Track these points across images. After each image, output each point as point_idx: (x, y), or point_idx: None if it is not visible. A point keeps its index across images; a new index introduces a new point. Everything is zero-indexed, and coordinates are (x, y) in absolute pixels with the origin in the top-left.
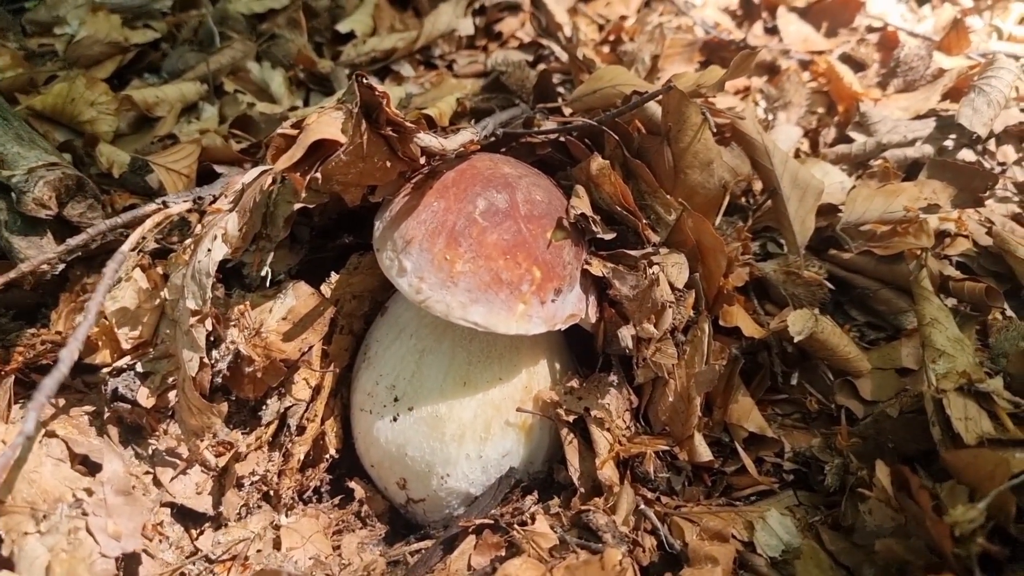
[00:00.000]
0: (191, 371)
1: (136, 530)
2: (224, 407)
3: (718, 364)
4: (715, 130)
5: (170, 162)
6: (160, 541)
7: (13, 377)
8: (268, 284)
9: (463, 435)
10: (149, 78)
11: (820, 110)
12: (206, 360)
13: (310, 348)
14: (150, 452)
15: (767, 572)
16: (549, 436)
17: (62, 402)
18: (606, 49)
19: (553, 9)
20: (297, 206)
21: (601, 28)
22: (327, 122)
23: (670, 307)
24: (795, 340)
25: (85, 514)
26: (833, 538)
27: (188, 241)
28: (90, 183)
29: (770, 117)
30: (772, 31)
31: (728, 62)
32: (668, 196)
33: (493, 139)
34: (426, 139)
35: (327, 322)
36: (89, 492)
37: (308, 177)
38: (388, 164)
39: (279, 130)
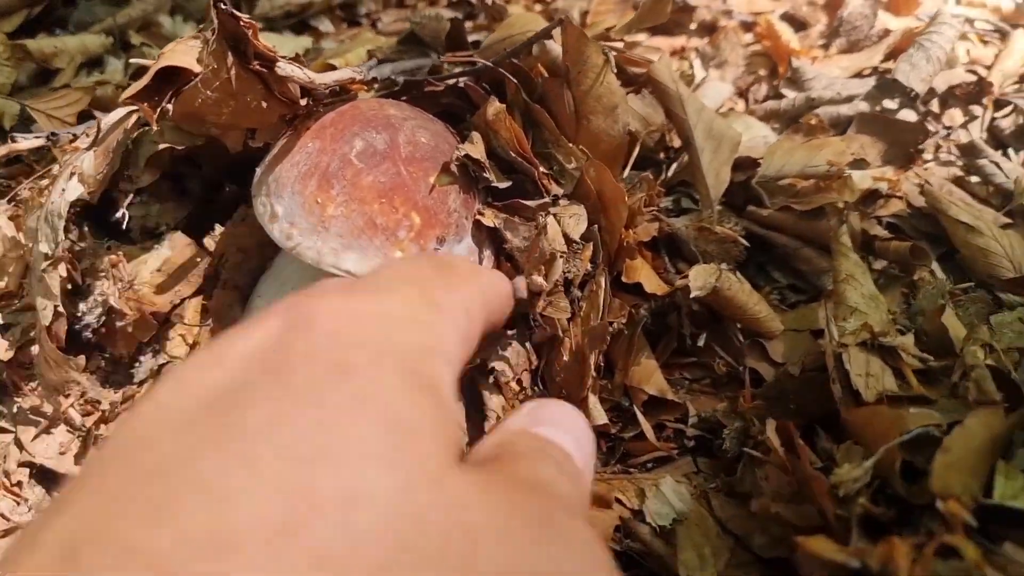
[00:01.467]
0: (45, 320)
1: None
2: (82, 360)
3: (616, 322)
4: (617, 72)
5: (51, 108)
6: (19, 503)
7: None
8: (144, 233)
9: None
10: (58, 33)
11: (761, 71)
12: (61, 309)
13: (183, 301)
14: (14, 410)
15: (650, 540)
16: None
17: None
18: (539, 7)
19: None
20: (162, 146)
21: None
22: (182, 51)
23: (561, 258)
24: (693, 295)
25: None
26: (724, 504)
27: (45, 181)
28: None
29: (703, 75)
30: None
31: (668, 21)
32: (570, 144)
33: (395, 88)
34: (289, 68)
35: (202, 274)
36: None
37: (159, 108)
38: (264, 104)
39: (134, 60)
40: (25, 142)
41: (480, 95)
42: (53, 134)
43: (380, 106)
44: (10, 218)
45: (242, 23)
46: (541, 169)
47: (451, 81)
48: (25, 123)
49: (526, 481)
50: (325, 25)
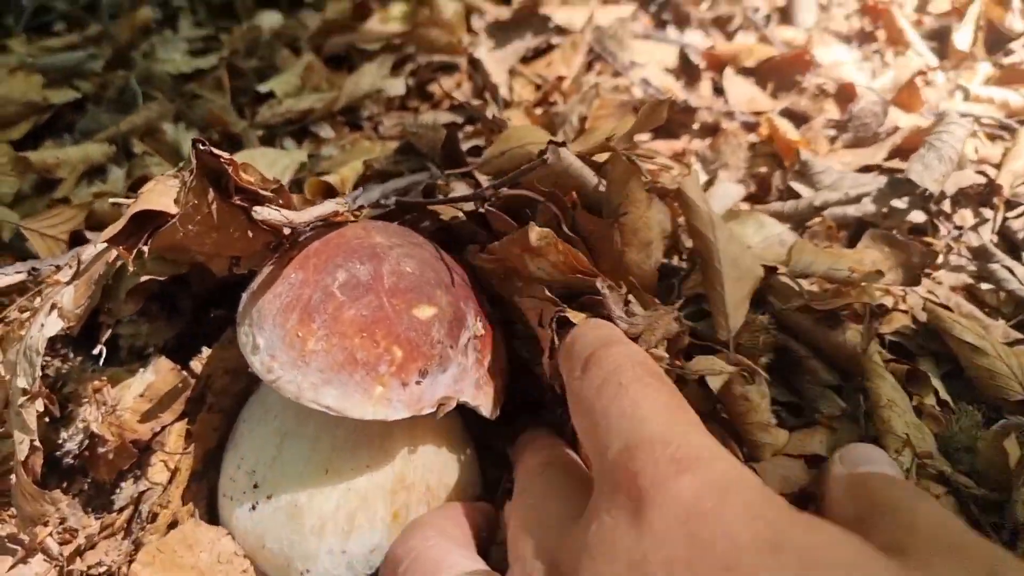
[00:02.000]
0: (21, 454)
1: None
2: (58, 494)
3: None
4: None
5: (45, 226)
6: None
7: None
8: (132, 354)
9: (323, 528)
10: (65, 139)
11: (763, 169)
12: (37, 444)
13: (163, 428)
14: None
15: None
16: None
17: None
18: (539, 111)
19: (490, 69)
20: (144, 278)
21: (538, 88)
22: (160, 191)
23: None
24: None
25: None
26: None
27: (26, 314)
28: None
29: (706, 179)
30: (720, 91)
31: (670, 123)
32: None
33: (386, 209)
34: (265, 212)
35: (184, 401)
36: None
37: (135, 250)
38: (249, 234)
39: (112, 200)
40: (5, 278)
41: (505, 221)
42: (34, 269)
43: (367, 233)
44: None
45: (222, 160)
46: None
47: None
48: (21, 237)
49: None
50: (326, 131)
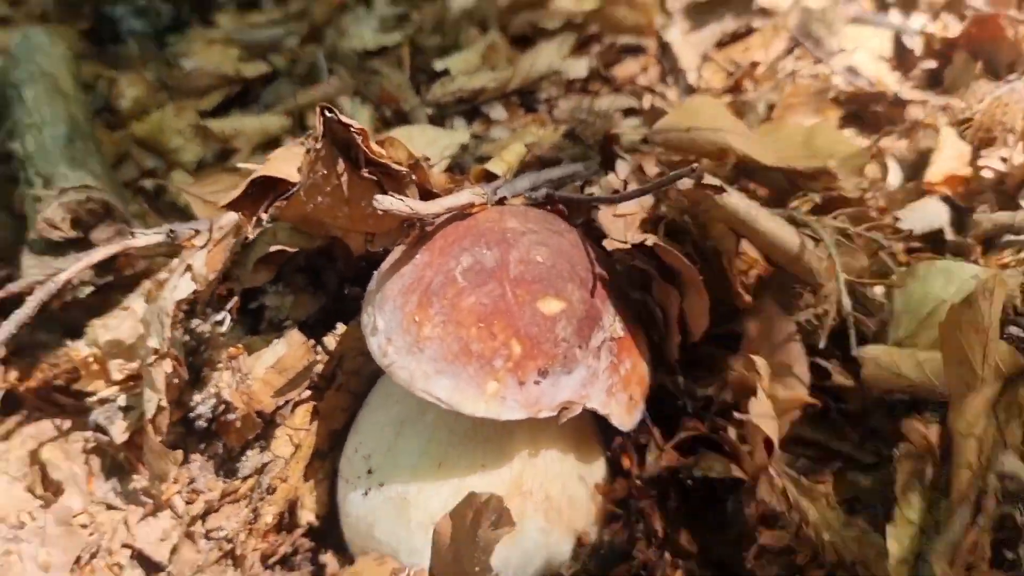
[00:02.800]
0: (149, 412)
1: (67, 564)
2: (179, 454)
3: None
4: None
5: (206, 192)
6: None
7: (7, 387)
8: (272, 325)
9: (430, 525)
10: (248, 110)
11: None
12: (164, 403)
13: (288, 402)
14: (127, 489)
15: None
16: (545, 539)
17: (67, 424)
18: (727, 98)
19: (680, 53)
20: (274, 248)
21: (730, 75)
22: (285, 158)
23: None
24: None
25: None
26: None
27: (164, 275)
28: (119, 209)
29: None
30: (939, 82)
31: (877, 118)
32: None
33: (534, 201)
34: (387, 202)
35: (312, 377)
36: (32, 517)
37: (252, 218)
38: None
39: (240, 164)
40: (143, 238)
41: (674, 256)
42: (171, 230)
43: (500, 216)
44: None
45: (352, 129)
46: None
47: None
48: None
49: None
50: (497, 112)
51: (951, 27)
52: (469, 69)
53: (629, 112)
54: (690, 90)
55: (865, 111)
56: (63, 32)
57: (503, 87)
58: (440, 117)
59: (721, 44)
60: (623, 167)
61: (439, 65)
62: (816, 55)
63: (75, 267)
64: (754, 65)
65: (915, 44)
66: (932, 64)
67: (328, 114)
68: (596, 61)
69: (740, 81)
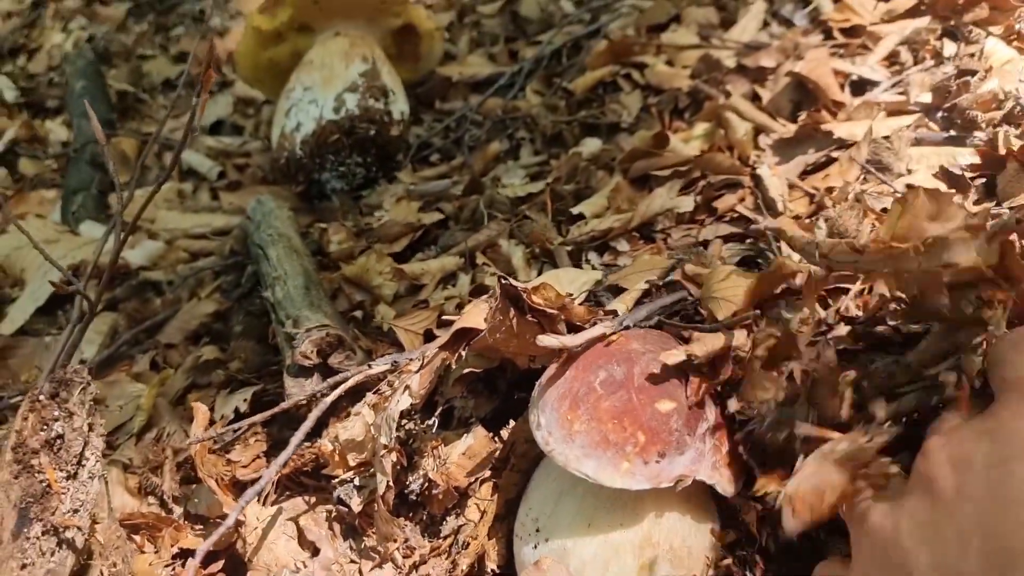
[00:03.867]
0: (380, 490)
1: None
2: (403, 521)
3: None
4: None
5: (408, 324)
6: None
7: (278, 475)
8: (460, 422)
9: (583, 569)
10: (429, 251)
11: None
12: (391, 484)
13: (476, 480)
14: (360, 547)
15: None
16: None
17: (313, 499)
18: (807, 220)
19: (768, 184)
20: (466, 370)
21: (812, 200)
22: (475, 312)
23: None
24: None
25: None
26: None
27: (388, 391)
28: (348, 340)
29: None
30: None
31: None
32: None
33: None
34: (546, 340)
35: (492, 460)
36: (304, 564)
37: (455, 355)
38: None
39: (444, 317)
40: (377, 367)
41: None
42: (395, 361)
43: (627, 340)
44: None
45: (519, 289)
46: None
47: None
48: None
49: None
50: (622, 245)
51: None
52: (598, 212)
53: (729, 238)
54: (777, 214)
55: None
56: (281, 193)
57: (626, 225)
58: (578, 252)
59: (804, 174)
60: None
61: (575, 210)
62: (883, 179)
63: (338, 391)
64: (830, 190)
65: (968, 159)
66: (985, 175)
67: (504, 281)
68: (699, 197)
69: (820, 205)
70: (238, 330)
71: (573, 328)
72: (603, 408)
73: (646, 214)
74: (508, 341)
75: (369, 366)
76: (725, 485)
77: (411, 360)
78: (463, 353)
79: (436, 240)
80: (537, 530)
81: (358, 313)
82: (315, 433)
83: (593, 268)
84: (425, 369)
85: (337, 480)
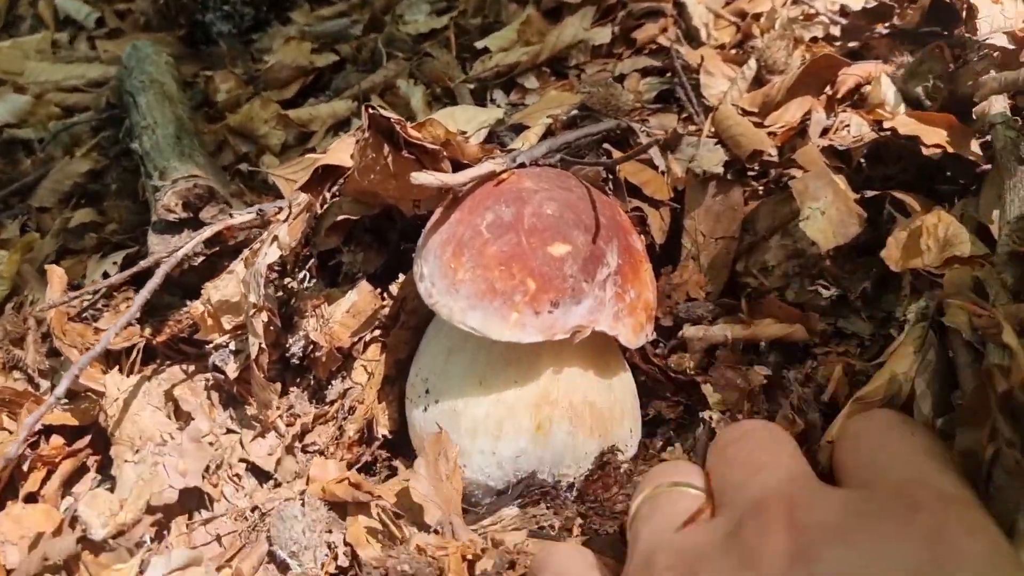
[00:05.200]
0: (252, 354)
1: (199, 471)
2: (278, 386)
3: None
4: None
5: (288, 172)
6: (237, 490)
7: (144, 341)
8: (347, 278)
9: (476, 430)
10: (322, 97)
11: None
12: (264, 346)
13: (360, 339)
14: (240, 417)
15: None
16: (572, 440)
17: (191, 368)
18: (733, 52)
19: (692, 11)
20: (340, 217)
21: (738, 29)
22: (341, 148)
23: None
24: None
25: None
26: None
27: (257, 245)
28: (221, 192)
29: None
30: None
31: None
32: None
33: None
34: (422, 177)
35: (380, 318)
36: (172, 437)
37: (319, 198)
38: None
39: (308, 155)
40: (239, 217)
41: None
42: (260, 209)
43: (518, 179)
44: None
45: (392, 120)
46: None
47: None
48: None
49: None
50: (531, 82)
51: None
52: (506, 45)
53: (647, 71)
54: (701, 45)
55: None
56: (165, 40)
57: (535, 59)
58: (482, 91)
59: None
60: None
61: (480, 44)
62: (810, 3)
63: (190, 244)
64: (757, 17)
65: None
66: None
67: (372, 110)
68: (617, 28)
69: (747, 33)
70: (114, 189)
71: (462, 168)
72: (489, 253)
73: (557, 46)
74: (385, 183)
75: (230, 215)
76: (629, 335)
77: (280, 209)
78: (327, 196)
79: (327, 86)
80: (427, 391)
81: (243, 166)
82: (193, 295)
83: (498, 107)
84: (295, 218)
85: (212, 345)
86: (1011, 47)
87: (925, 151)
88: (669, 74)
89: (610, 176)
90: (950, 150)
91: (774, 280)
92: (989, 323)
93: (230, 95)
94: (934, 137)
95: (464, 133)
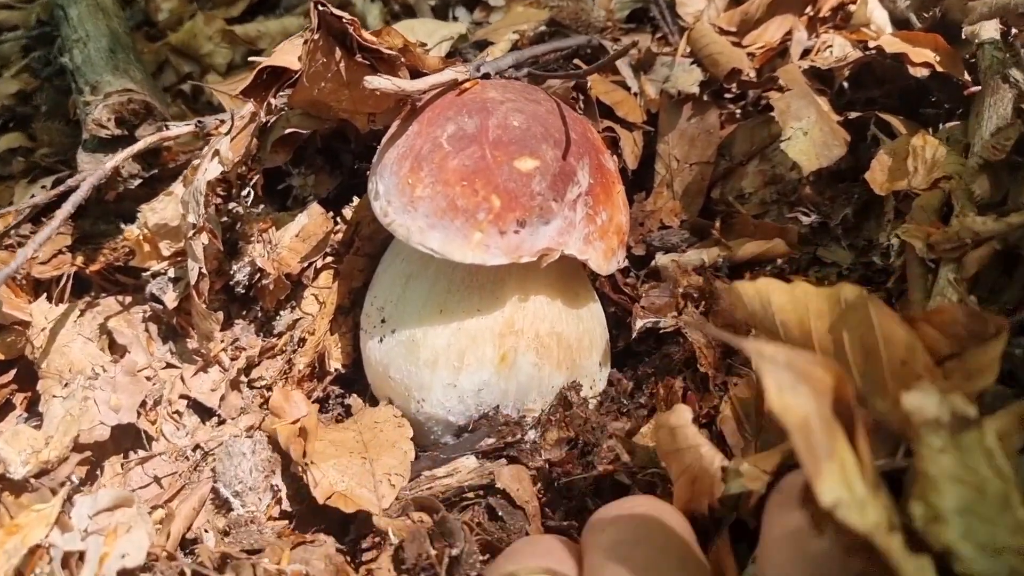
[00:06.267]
0: (192, 279)
1: (133, 407)
2: (220, 315)
3: None
4: None
5: (232, 88)
6: (178, 428)
7: (75, 270)
8: (298, 201)
9: (436, 361)
10: (271, 15)
11: None
12: (204, 271)
13: (311, 265)
14: (181, 350)
15: None
16: (538, 373)
17: (128, 299)
18: None
19: None
20: (288, 131)
21: None
22: (287, 50)
23: None
24: None
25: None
26: None
27: (197, 160)
28: (158, 108)
29: None
30: None
31: None
32: None
33: (516, 78)
34: (376, 81)
35: (331, 243)
36: (104, 370)
37: (262, 104)
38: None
39: (250, 58)
40: (176, 129)
41: None
42: (199, 121)
43: (482, 89)
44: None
45: (344, 20)
46: None
47: None
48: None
49: None
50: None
51: None
52: None
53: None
54: None
55: None
56: None
57: None
58: (444, 7)
59: None
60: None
61: None
62: None
63: (120, 156)
64: None
65: None
66: None
67: (321, 7)
68: None
69: None
70: (44, 110)
71: (419, 77)
72: (450, 168)
73: None
74: (337, 92)
75: (166, 127)
76: (599, 261)
77: (221, 122)
78: (273, 103)
79: (281, 1)
80: (383, 320)
81: (185, 87)
82: (130, 222)
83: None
84: (239, 131)
85: (150, 273)
86: None
87: (912, 70)
88: None
89: (580, 95)
90: (939, 69)
91: (751, 207)
92: (942, 239)
93: (172, 14)
94: (921, 56)
95: (424, 45)
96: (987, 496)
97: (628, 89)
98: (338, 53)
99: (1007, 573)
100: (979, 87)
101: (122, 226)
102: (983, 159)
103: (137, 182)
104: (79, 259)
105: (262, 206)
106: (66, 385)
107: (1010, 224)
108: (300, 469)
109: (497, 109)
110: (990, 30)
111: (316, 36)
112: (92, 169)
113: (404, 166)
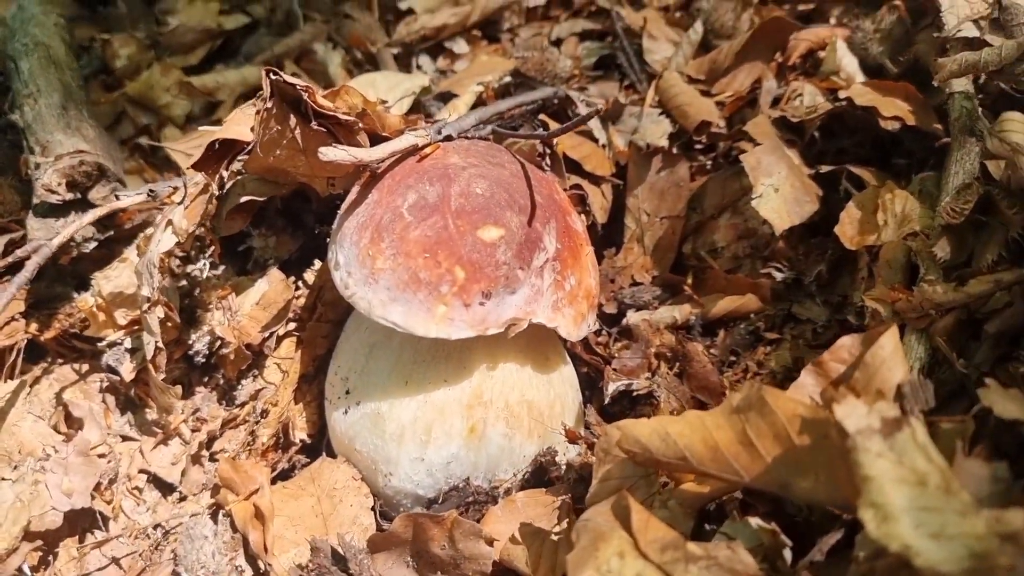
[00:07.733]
0: (148, 354)
1: (87, 489)
2: (179, 389)
3: None
4: None
5: (188, 147)
6: (138, 504)
7: (25, 341)
8: (257, 265)
9: (402, 435)
10: (230, 64)
11: None
12: (161, 344)
13: (272, 335)
14: (140, 422)
15: None
16: (509, 444)
17: (85, 367)
18: (678, 15)
19: None
20: (244, 199)
21: None
22: (238, 120)
23: None
24: None
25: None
26: None
27: (150, 230)
28: (111, 170)
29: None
30: None
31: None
32: None
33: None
34: (331, 153)
35: (293, 310)
36: (55, 450)
37: (215, 176)
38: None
39: (202, 128)
40: (126, 199)
41: None
42: (151, 190)
43: (444, 154)
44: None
45: (298, 87)
46: None
47: None
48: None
49: None
50: (460, 46)
51: None
52: (433, 6)
53: (586, 35)
54: (641, 6)
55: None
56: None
57: (464, 22)
58: (407, 55)
59: None
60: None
61: (403, 4)
62: None
63: (68, 230)
64: None
65: None
66: None
67: (273, 76)
68: None
69: None
70: None
71: (379, 141)
72: (412, 239)
73: (488, 7)
74: (293, 159)
75: (117, 197)
76: (569, 327)
77: (175, 189)
78: (225, 175)
79: (241, 50)
80: (347, 392)
81: (143, 140)
82: (86, 286)
83: (424, 74)
84: (192, 200)
85: (106, 343)
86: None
87: (883, 123)
88: (610, 38)
89: (547, 150)
90: (909, 122)
91: (723, 262)
92: (907, 307)
93: (130, 61)
94: (892, 109)
95: (385, 102)
96: (929, 488)
97: (596, 141)
98: (292, 120)
99: (965, 555)
100: (949, 139)
101: (75, 295)
102: (945, 221)
103: (92, 245)
104: (33, 326)
105: (222, 267)
106: (15, 468)
107: (969, 294)
108: (262, 563)
109: (459, 176)
110: (962, 81)
111: (269, 104)
112: (43, 236)
113: (364, 236)
